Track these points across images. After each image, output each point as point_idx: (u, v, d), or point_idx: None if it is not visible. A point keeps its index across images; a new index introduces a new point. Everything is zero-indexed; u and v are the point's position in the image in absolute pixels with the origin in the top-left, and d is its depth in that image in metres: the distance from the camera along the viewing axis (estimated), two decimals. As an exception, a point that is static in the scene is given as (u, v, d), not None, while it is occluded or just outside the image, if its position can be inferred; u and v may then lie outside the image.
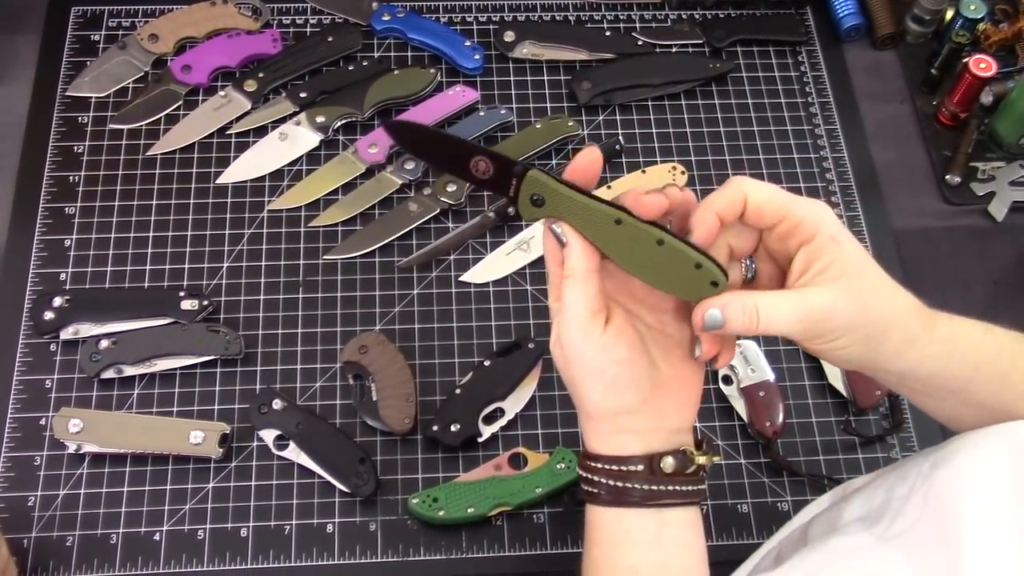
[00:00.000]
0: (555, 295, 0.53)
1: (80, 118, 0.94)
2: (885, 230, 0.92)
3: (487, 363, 0.82)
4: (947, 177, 0.94)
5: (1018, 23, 0.99)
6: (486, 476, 0.78)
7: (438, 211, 0.90)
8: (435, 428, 0.80)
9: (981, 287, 0.90)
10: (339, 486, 0.78)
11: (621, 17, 1.02)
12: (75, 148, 0.92)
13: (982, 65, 0.91)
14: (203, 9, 0.99)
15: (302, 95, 0.94)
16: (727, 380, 0.83)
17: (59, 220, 0.89)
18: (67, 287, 0.85)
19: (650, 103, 0.97)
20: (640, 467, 0.53)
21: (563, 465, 0.79)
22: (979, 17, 0.95)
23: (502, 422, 0.81)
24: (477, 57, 0.97)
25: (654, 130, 0.96)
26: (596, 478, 0.54)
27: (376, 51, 0.99)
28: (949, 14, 0.99)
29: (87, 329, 0.83)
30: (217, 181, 0.91)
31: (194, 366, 0.82)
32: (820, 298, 0.49)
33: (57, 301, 0.83)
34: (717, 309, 0.50)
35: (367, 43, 0.99)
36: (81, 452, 0.78)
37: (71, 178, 0.91)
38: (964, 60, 0.92)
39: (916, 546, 0.49)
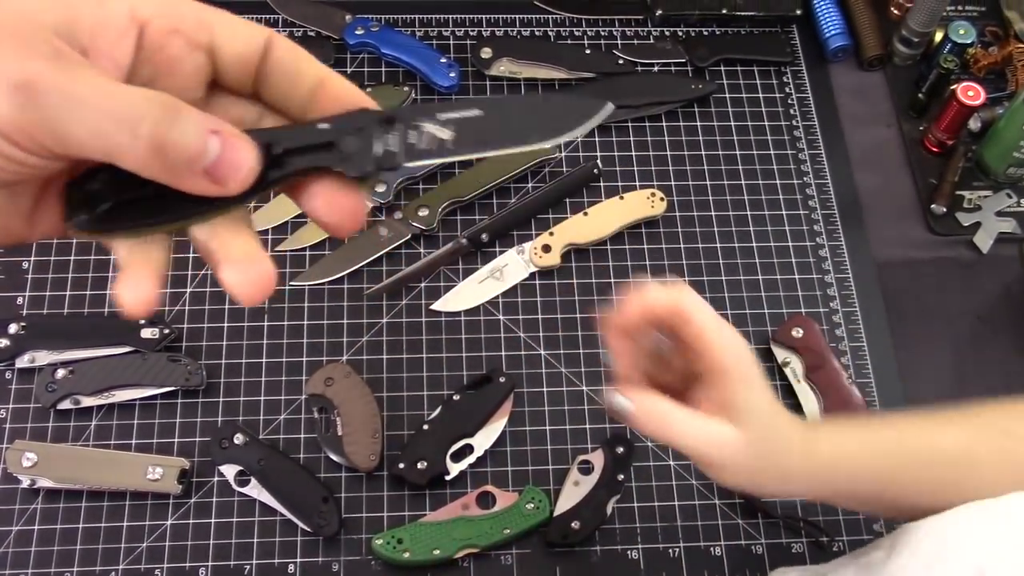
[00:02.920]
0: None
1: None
2: (868, 260, 0.90)
3: (456, 397, 0.80)
4: (932, 206, 0.92)
5: (1007, 47, 0.97)
6: (453, 516, 0.76)
7: (409, 236, 0.87)
8: (401, 466, 0.77)
9: (965, 320, 0.88)
10: (301, 525, 0.76)
11: (602, 33, 1.00)
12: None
13: (970, 93, 0.89)
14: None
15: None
16: (702, 417, 0.81)
17: (17, 241, 0.86)
18: (24, 312, 0.83)
19: (630, 124, 0.95)
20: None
21: (532, 505, 0.77)
22: (968, 42, 0.92)
23: (471, 459, 0.79)
24: (453, 75, 0.94)
25: (633, 153, 0.94)
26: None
27: (349, 66, 0.96)
28: (938, 36, 0.97)
29: (43, 357, 0.80)
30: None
31: (154, 397, 0.80)
32: (727, 435, 0.51)
33: (13, 328, 0.80)
34: (629, 402, 0.52)
35: (340, 57, 0.96)
36: (35, 487, 0.75)
37: (30, 196, 0.88)
38: (952, 87, 0.90)
39: None
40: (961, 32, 0.92)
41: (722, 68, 0.99)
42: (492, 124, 0.38)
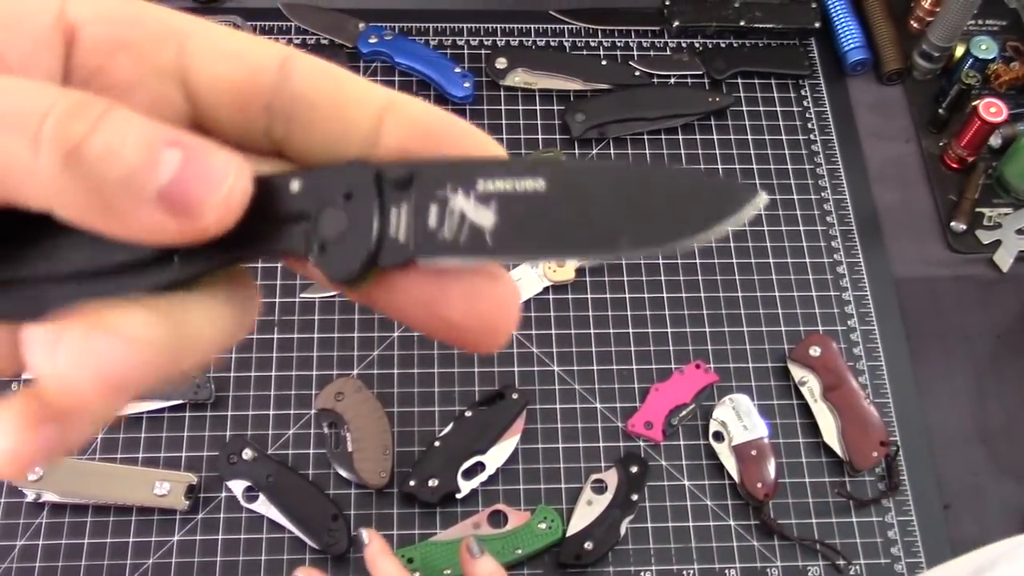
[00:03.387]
0: None
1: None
2: (886, 278, 0.88)
3: (468, 413, 0.79)
4: (952, 224, 0.91)
5: (1030, 62, 0.95)
6: (464, 534, 0.75)
7: (422, 249, 0.86)
8: (412, 483, 0.76)
9: (985, 340, 0.87)
10: (310, 543, 0.74)
11: (618, 44, 0.98)
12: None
13: (992, 109, 0.88)
14: (182, 27, 0.94)
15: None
16: (718, 437, 0.80)
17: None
18: (31, 322, 0.82)
19: (646, 137, 0.93)
20: None
21: (545, 525, 0.75)
22: (990, 58, 0.91)
23: (482, 477, 0.77)
24: (467, 85, 0.92)
25: (649, 166, 0.92)
26: None
27: (362, 75, 0.94)
28: (959, 51, 0.95)
29: (50, 368, 0.79)
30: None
31: (161, 410, 0.79)
32: None
33: (19, 338, 0.79)
34: None
35: (353, 66, 0.94)
36: (40, 501, 0.74)
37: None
38: (974, 103, 0.89)
39: None
40: (983, 47, 0.91)
41: (739, 81, 0.97)
42: (562, 209, 0.24)
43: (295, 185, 0.25)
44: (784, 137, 0.95)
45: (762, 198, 0.24)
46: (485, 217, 0.24)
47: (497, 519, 0.76)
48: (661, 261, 0.88)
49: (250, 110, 0.25)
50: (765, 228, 0.90)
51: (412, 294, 0.24)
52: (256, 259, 0.25)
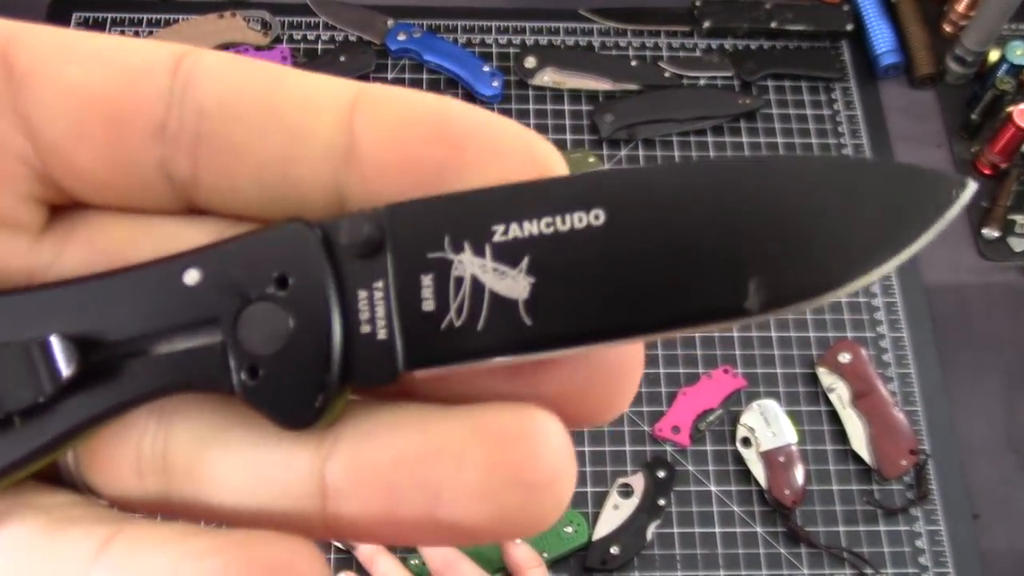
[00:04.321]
0: None
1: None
2: (917, 285, 0.88)
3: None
4: (983, 231, 0.90)
5: (1065, 68, 0.94)
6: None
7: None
8: None
9: (1016, 348, 0.86)
10: (336, 543, 0.74)
11: (648, 44, 0.98)
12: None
13: (1027, 116, 0.87)
14: (210, 22, 0.94)
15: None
16: (746, 443, 0.79)
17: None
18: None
19: (675, 139, 0.93)
20: None
21: (571, 529, 0.75)
22: (1026, 63, 0.90)
23: (509, 480, 0.77)
24: (496, 84, 0.92)
25: (678, 168, 0.92)
26: None
27: (390, 72, 0.94)
28: (994, 56, 0.94)
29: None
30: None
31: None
32: None
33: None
34: None
35: (381, 63, 0.94)
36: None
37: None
38: (1009, 110, 0.88)
39: None
40: (1018, 52, 0.90)
41: (770, 83, 0.97)
42: (641, 252, 0.16)
43: (192, 275, 0.17)
44: (814, 141, 0.94)
45: (971, 187, 0.16)
46: (515, 283, 0.16)
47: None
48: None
49: (130, 138, 0.17)
50: (794, 232, 0.89)
51: (438, 391, 0.17)
52: (148, 401, 0.17)
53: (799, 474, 0.78)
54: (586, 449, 0.79)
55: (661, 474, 0.77)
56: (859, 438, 0.80)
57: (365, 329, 0.16)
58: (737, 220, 0.15)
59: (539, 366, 0.17)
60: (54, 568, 0.16)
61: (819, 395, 0.82)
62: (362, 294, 0.16)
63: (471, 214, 0.16)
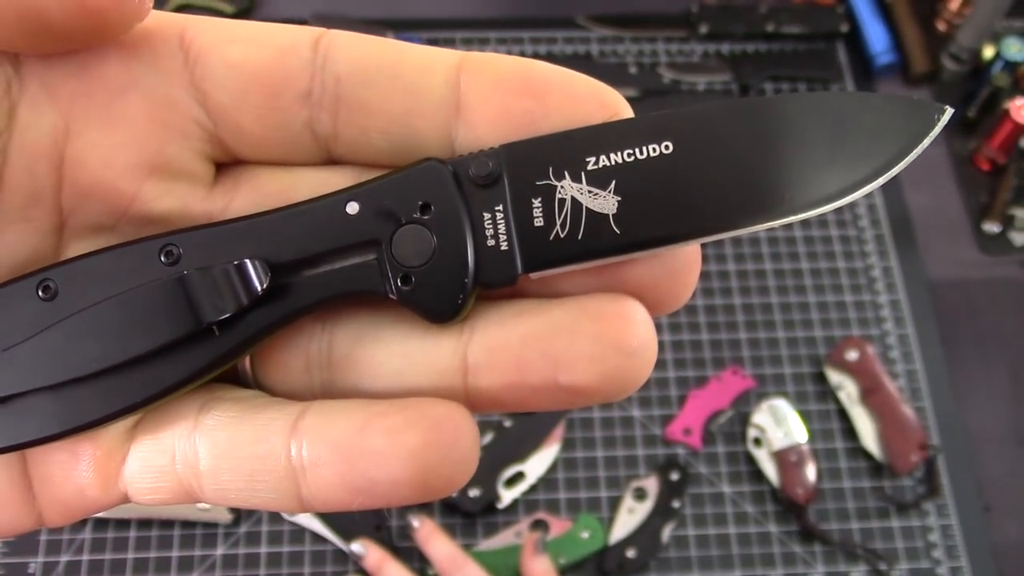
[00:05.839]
0: None
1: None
2: (921, 281, 0.88)
3: (508, 423, 0.79)
4: (984, 225, 0.91)
5: (1059, 63, 0.95)
6: (507, 544, 0.75)
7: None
8: (454, 493, 0.76)
9: (1020, 342, 0.87)
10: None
11: (645, 51, 0.98)
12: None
13: (1024, 111, 0.88)
14: None
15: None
16: (758, 443, 0.80)
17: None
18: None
19: (676, 143, 0.93)
20: None
21: (587, 534, 0.76)
22: (1021, 60, 0.91)
23: (523, 487, 0.77)
24: (497, 93, 0.92)
25: (680, 172, 0.92)
26: None
27: (391, 85, 0.95)
28: (988, 53, 0.95)
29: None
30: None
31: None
32: None
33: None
34: None
35: (382, 76, 0.95)
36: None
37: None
38: (1006, 106, 0.88)
39: None
40: (1014, 49, 0.91)
41: (768, 85, 0.97)
42: (704, 170, 0.20)
43: (352, 207, 0.21)
44: (814, 141, 0.95)
45: (949, 112, 0.20)
46: (605, 202, 0.20)
47: (539, 528, 0.76)
48: (695, 267, 0.87)
49: (282, 102, 0.21)
50: (798, 233, 0.90)
51: (545, 290, 0.22)
52: (318, 310, 0.22)
53: (811, 472, 0.78)
54: (599, 454, 0.80)
55: (674, 477, 0.78)
56: (869, 435, 0.81)
57: (491, 243, 0.21)
58: (770, 145, 0.20)
59: (622, 265, 0.21)
60: (260, 433, 0.21)
61: (827, 393, 0.83)
62: (487, 215, 0.21)
63: (568, 149, 0.21)
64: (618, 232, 0.20)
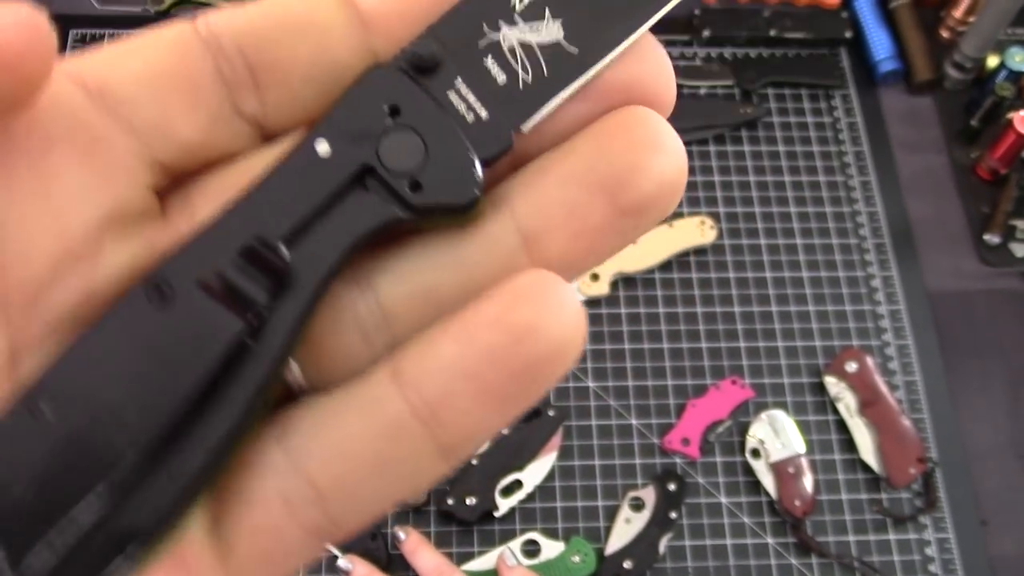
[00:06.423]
0: None
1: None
2: (920, 292, 0.88)
3: (505, 431, 0.79)
4: (985, 236, 0.90)
5: (1063, 73, 0.95)
6: (494, 566, 0.74)
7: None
8: (450, 501, 0.76)
9: (1020, 355, 0.87)
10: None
11: (648, 54, 0.97)
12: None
13: (1028, 122, 0.87)
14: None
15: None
16: (755, 454, 0.80)
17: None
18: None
19: (677, 149, 0.93)
20: None
21: (578, 558, 0.75)
22: (1024, 70, 0.90)
23: (520, 495, 0.77)
24: (497, 96, 0.92)
25: (681, 178, 0.92)
26: None
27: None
28: (992, 62, 0.95)
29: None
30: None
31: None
32: None
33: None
34: None
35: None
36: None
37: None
38: (1009, 116, 0.88)
39: None
40: (1017, 59, 0.91)
41: (770, 91, 0.97)
42: None
43: (322, 145, 0.19)
44: (816, 148, 0.95)
45: None
46: (549, 30, 0.20)
47: (530, 548, 0.76)
48: (694, 275, 0.87)
49: (204, 92, 0.20)
50: (798, 241, 0.90)
51: (543, 142, 0.21)
52: (343, 270, 0.20)
53: (808, 484, 0.78)
54: (596, 463, 0.79)
55: (672, 487, 0.78)
56: (867, 447, 0.80)
57: (469, 117, 0.20)
58: None
59: (600, 81, 0.21)
60: (365, 411, 0.19)
61: (826, 404, 0.83)
62: (451, 95, 0.20)
63: (487, 1, 0.20)
64: (576, 50, 0.20)
